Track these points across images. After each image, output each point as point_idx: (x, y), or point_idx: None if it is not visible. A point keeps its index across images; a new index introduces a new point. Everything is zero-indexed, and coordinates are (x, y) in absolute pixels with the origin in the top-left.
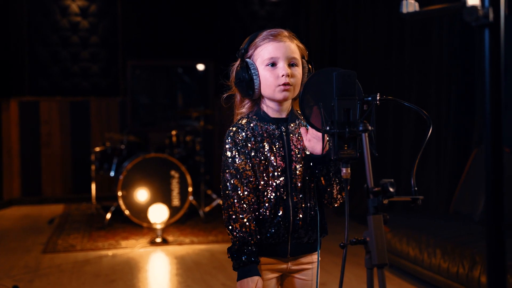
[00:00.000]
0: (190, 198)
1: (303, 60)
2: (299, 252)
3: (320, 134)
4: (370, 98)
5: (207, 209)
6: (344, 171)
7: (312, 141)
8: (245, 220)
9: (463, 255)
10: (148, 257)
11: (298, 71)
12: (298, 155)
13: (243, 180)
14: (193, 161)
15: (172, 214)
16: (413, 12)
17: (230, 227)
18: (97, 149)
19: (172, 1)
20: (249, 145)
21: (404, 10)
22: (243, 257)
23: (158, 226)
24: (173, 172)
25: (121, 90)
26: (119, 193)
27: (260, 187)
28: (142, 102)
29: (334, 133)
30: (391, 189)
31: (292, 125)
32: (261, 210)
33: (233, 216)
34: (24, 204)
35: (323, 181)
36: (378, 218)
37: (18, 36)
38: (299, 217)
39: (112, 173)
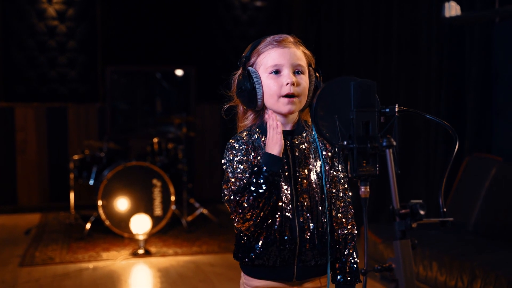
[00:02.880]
0: (173, 207)
1: (310, 68)
2: (306, 276)
3: None
4: (388, 110)
5: (190, 218)
6: (362, 189)
7: None
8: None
9: (462, 268)
10: (131, 270)
11: (304, 79)
12: (305, 171)
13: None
14: (176, 169)
15: (154, 224)
16: (455, 16)
17: (239, 222)
18: (76, 156)
19: (152, 5)
20: (251, 159)
21: (447, 14)
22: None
23: (141, 237)
24: (155, 181)
25: (100, 96)
26: (99, 203)
27: None
28: (121, 109)
29: (353, 148)
30: (421, 212)
31: (298, 137)
32: (267, 232)
33: (240, 210)
34: None
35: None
36: (406, 243)
37: None
38: (306, 239)
39: (91, 182)
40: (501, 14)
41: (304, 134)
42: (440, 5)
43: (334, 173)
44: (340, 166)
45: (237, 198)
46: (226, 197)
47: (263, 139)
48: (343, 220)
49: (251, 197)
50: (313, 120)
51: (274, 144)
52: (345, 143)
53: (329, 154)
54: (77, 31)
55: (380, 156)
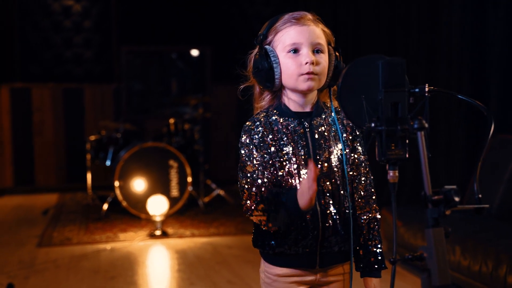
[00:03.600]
0: (189, 188)
1: (329, 46)
2: (330, 263)
3: None
4: (417, 90)
5: (206, 199)
6: (391, 174)
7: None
8: (265, 202)
9: (486, 253)
10: (148, 251)
11: (324, 58)
12: (325, 154)
13: (262, 172)
14: (192, 150)
15: (171, 205)
16: None
17: (252, 213)
18: (92, 137)
19: None
20: (268, 141)
21: None
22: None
23: (158, 219)
24: (171, 162)
25: (115, 77)
26: (116, 183)
27: (282, 190)
28: (136, 89)
29: (382, 131)
30: (456, 198)
31: (317, 119)
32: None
33: (255, 202)
34: (16, 194)
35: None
36: (439, 232)
37: (8, 21)
38: (329, 224)
39: (108, 163)
40: None
41: (324, 116)
42: None
43: (355, 156)
44: (361, 148)
45: (252, 208)
46: (242, 192)
47: (281, 120)
48: (366, 204)
49: (264, 216)
50: (339, 100)
51: (304, 196)
52: (372, 125)
53: (350, 136)
54: (92, 11)
55: (409, 139)
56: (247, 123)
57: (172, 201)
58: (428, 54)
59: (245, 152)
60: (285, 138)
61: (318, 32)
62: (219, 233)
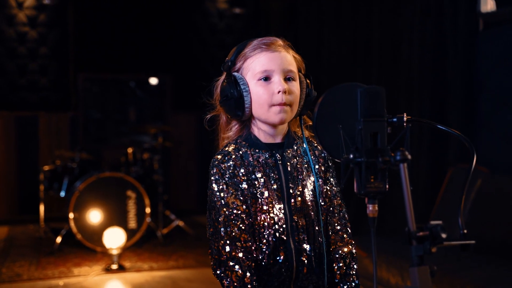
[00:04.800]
0: (148, 219)
1: (300, 73)
2: None
3: None
4: (395, 119)
5: (165, 231)
6: (370, 208)
7: None
8: (239, 268)
9: (453, 284)
10: (104, 286)
11: (296, 86)
12: (299, 187)
13: (233, 217)
14: (151, 180)
15: (128, 238)
16: (491, 12)
17: (219, 277)
18: (46, 167)
19: (126, 12)
20: (239, 176)
21: (483, 10)
22: None
23: (114, 252)
24: (129, 193)
25: (72, 105)
26: (71, 215)
27: (255, 226)
28: (93, 118)
29: (361, 162)
30: (443, 235)
31: (289, 151)
32: (258, 255)
33: (224, 264)
34: None
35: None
36: (424, 270)
37: None
38: (303, 262)
39: (62, 193)
40: None
41: (295, 147)
42: (423, 13)
43: (328, 188)
44: (333, 180)
45: (220, 271)
46: (212, 242)
47: (251, 153)
48: (341, 238)
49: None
50: (314, 130)
51: None
52: (351, 156)
53: (322, 167)
54: (48, 37)
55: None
56: (217, 157)
57: (130, 233)
58: (389, 83)
59: (215, 188)
60: (257, 172)
61: (289, 59)
62: (179, 266)
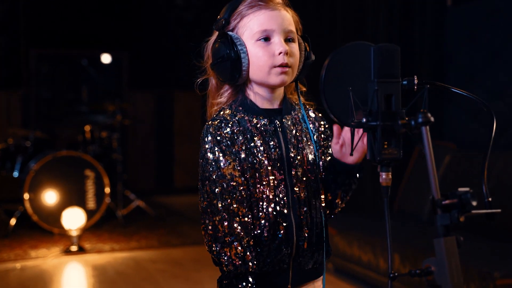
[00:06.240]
0: (107, 200)
1: (298, 35)
2: (302, 281)
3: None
4: (405, 82)
5: (125, 211)
6: (384, 176)
7: (346, 148)
8: (238, 245)
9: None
10: (64, 269)
11: (296, 48)
12: (299, 157)
13: (231, 189)
14: (110, 159)
15: (87, 218)
16: None
17: (217, 254)
18: None
19: None
20: (237, 144)
21: None
22: None
23: (73, 233)
24: (87, 172)
25: (23, 82)
26: (25, 196)
27: (253, 199)
28: (45, 96)
29: (377, 126)
30: (473, 203)
31: (287, 117)
32: (256, 230)
33: (221, 240)
34: None
35: (339, 196)
36: (451, 241)
37: None
38: (304, 237)
39: (16, 174)
40: None
41: (293, 113)
42: None
43: (326, 159)
44: (330, 149)
45: (217, 247)
46: (206, 217)
47: (249, 118)
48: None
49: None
50: (322, 94)
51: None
52: (364, 120)
53: (323, 136)
54: None
55: (400, 136)
56: (213, 123)
57: (88, 213)
58: None
59: (210, 157)
60: (256, 139)
61: (289, 18)
62: (141, 246)
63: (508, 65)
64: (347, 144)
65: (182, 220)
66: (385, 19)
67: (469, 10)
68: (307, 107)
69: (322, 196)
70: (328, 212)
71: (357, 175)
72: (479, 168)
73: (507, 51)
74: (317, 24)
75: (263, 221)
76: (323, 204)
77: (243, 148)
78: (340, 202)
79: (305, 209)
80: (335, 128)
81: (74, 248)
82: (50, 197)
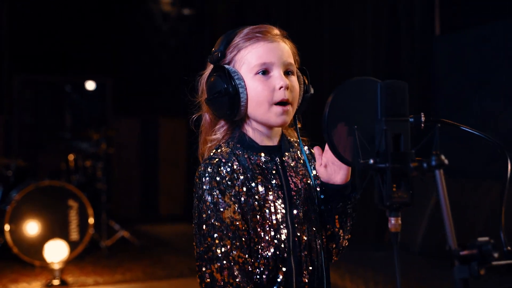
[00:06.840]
0: (91, 231)
1: (296, 67)
2: None
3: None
4: (412, 120)
5: (109, 242)
6: (393, 221)
7: (331, 167)
8: None
9: None
10: None
11: (296, 82)
12: (300, 197)
13: (231, 234)
14: (94, 189)
15: (70, 250)
16: None
17: None
18: None
19: (63, 12)
20: (237, 185)
21: None
22: None
23: (56, 266)
24: (71, 202)
25: (5, 108)
26: (6, 227)
27: (252, 243)
28: (28, 122)
29: (386, 168)
30: (495, 255)
31: (287, 154)
32: (255, 275)
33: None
34: None
35: (337, 223)
36: None
37: None
38: (304, 282)
39: None
40: None
41: (291, 150)
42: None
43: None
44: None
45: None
46: (203, 264)
47: (247, 156)
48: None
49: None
50: (325, 133)
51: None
52: (371, 161)
53: (314, 172)
54: None
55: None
56: (211, 161)
57: (71, 245)
58: None
59: (209, 199)
60: (257, 179)
61: (288, 50)
62: (126, 279)
63: (497, 92)
64: (330, 161)
65: (168, 250)
66: (372, 49)
67: (457, 38)
68: (303, 143)
69: (324, 238)
70: (334, 251)
71: (351, 196)
72: (471, 196)
73: (496, 79)
74: (303, 54)
75: (262, 267)
76: (324, 246)
77: (244, 189)
78: (341, 231)
79: (305, 252)
80: (316, 149)
81: (56, 282)
82: (31, 228)
